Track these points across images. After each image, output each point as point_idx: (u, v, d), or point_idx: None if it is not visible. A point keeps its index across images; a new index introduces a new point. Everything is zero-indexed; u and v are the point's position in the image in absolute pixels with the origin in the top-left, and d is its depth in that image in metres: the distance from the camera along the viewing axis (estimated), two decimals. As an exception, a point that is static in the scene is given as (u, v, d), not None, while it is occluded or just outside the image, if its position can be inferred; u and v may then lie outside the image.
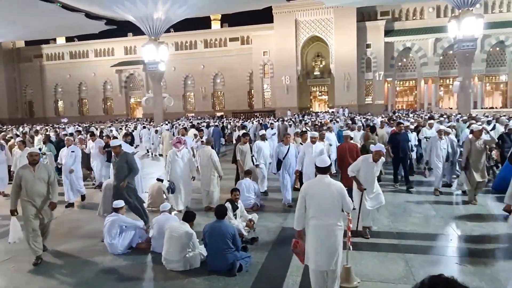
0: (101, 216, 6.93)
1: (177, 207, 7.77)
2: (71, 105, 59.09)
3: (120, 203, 6.01)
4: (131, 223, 5.94)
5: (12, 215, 5.42)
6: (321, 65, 48.64)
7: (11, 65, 59.12)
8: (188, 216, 5.38)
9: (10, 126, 35.72)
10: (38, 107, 60.85)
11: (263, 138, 9.51)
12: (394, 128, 10.61)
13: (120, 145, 6.71)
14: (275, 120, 25.18)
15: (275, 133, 14.57)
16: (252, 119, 32.35)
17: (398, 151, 9.28)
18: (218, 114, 50.19)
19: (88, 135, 12.52)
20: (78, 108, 59.11)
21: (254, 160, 8.85)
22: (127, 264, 5.34)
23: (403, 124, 10.91)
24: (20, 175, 5.38)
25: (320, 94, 52.05)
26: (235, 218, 6.25)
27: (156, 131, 18.79)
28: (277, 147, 8.54)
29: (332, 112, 38.96)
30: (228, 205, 6.10)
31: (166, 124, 23.38)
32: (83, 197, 9.40)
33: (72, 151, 9.15)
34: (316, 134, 8.44)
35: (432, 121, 13.33)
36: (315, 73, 49.09)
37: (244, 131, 12.46)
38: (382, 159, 6.03)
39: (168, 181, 8.00)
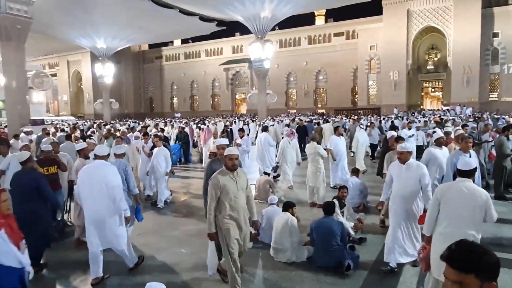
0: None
1: (289, 183, 9.57)
2: (184, 101, 64.83)
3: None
4: None
5: (211, 240, 4.22)
6: (435, 58, 44.35)
7: (137, 66, 67.54)
8: (287, 205, 5.56)
9: (135, 120, 40.63)
10: (157, 103, 68.29)
11: (339, 133, 9.59)
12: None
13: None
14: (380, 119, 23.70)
15: (412, 135, 11.82)
16: (340, 116, 31.09)
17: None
18: (320, 111, 49.63)
19: (141, 134, 11.21)
20: (189, 104, 64.56)
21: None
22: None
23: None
24: (222, 184, 4.05)
25: (433, 90, 47.57)
26: (342, 216, 6.09)
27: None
28: (454, 156, 6.03)
29: (447, 110, 35.25)
30: (335, 201, 5.97)
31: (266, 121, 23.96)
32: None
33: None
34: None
35: None
36: (428, 67, 44.98)
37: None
38: None
39: (276, 162, 9.63)
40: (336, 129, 9.84)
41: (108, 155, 4.90)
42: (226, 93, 60.37)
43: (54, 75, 58.71)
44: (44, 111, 44.65)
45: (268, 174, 8.75)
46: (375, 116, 30.30)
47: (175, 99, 66.94)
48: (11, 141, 11.20)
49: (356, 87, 49.82)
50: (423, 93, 47.38)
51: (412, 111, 37.24)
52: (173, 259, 5.32)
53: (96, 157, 4.78)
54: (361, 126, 14.26)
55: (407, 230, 4.83)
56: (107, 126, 19.59)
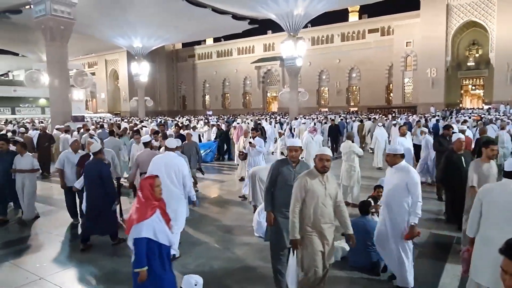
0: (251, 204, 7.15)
1: None
2: (215, 99, 65.65)
3: None
4: None
5: (294, 248, 3.69)
6: (476, 55, 42.35)
7: (170, 65, 69.11)
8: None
9: (168, 117, 41.57)
10: (190, 100, 69.56)
11: (403, 132, 9.34)
12: None
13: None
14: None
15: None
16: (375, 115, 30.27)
17: None
18: (352, 109, 48.75)
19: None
20: (221, 102, 65.27)
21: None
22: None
23: None
24: (309, 186, 3.61)
25: (473, 88, 45.50)
26: (378, 216, 5.96)
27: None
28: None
29: (489, 108, 33.57)
30: (370, 201, 5.85)
31: (298, 119, 23.81)
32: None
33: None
34: None
35: None
36: (468, 64, 43.04)
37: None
38: None
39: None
40: (400, 127, 9.51)
41: (177, 147, 5.57)
42: (257, 91, 60.53)
43: (92, 73, 61.22)
44: (83, 108, 46.64)
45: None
46: (419, 115, 29.09)
47: (207, 97, 67.90)
48: (62, 135, 11.82)
49: (391, 85, 48.49)
50: (462, 91, 45.42)
51: (451, 109, 35.76)
52: (207, 253, 5.41)
53: (166, 149, 5.42)
54: (379, 124, 14.24)
55: (388, 246, 4.25)
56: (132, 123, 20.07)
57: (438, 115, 24.79)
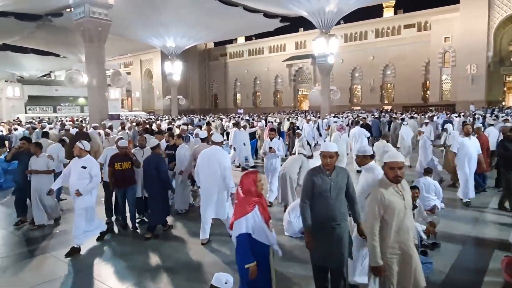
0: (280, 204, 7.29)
1: None
2: (246, 97, 65.96)
3: None
4: None
5: (376, 276, 3.23)
6: (521, 50, 40.01)
7: (202, 63, 70.16)
8: None
9: (200, 115, 42.18)
10: (221, 99, 70.31)
11: (466, 132, 8.52)
12: None
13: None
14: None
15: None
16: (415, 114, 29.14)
17: None
18: (386, 107, 47.46)
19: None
20: (252, 100, 65.50)
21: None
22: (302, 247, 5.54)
23: None
24: (387, 201, 3.10)
25: (518, 85, 43.03)
26: (413, 218, 5.75)
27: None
28: None
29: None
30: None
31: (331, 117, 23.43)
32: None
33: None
34: None
35: None
36: (512, 60, 40.76)
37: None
38: None
39: None
40: (463, 126, 8.25)
41: (222, 142, 5.95)
42: (288, 90, 60.25)
43: (128, 73, 63.24)
44: (119, 106, 48.30)
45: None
46: (463, 113, 27.76)
47: (238, 95, 68.35)
48: (120, 132, 12.21)
49: (428, 82, 46.75)
50: (505, 88, 43.00)
51: (492, 107, 33.98)
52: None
53: (213, 143, 5.84)
54: (404, 123, 14.06)
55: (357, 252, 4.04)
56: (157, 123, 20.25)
57: (480, 113, 23.59)
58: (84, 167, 5.47)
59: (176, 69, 43.20)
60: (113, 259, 5.31)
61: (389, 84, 51.34)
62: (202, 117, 33.98)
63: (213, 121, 23.11)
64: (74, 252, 5.39)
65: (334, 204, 3.52)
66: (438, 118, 22.68)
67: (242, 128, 13.12)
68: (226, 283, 2.87)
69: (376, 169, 4.14)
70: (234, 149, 12.47)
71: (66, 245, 5.71)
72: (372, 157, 4.23)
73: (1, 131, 16.85)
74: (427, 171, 7.52)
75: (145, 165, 6.25)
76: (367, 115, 25.47)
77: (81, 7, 20.89)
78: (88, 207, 5.57)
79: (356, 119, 17.18)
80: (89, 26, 20.87)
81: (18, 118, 32.39)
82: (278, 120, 22.80)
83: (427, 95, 47.40)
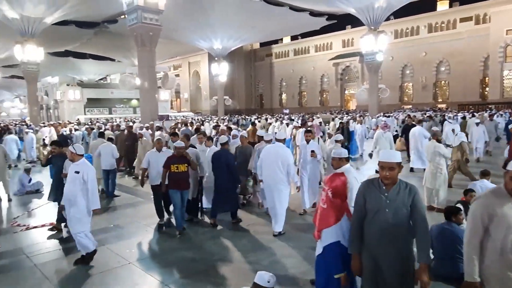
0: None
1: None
2: (292, 97, 65.70)
3: None
4: None
5: None
6: None
7: (248, 64, 70.94)
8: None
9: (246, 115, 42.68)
10: (267, 99, 70.62)
11: None
12: None
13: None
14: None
15: None
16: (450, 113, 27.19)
17: None
18: (440, 106, 45.04)
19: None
20: (298, 100, 65.09)
21: None
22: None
23: None
24: (501, 213, 2.60)
25: None
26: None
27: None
28: None
29: None
30: (460, 207, 5.33)
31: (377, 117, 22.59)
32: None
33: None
34: None
35: None
36: None
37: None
38: None
39: (372, 151, 10.35)
40: None
41: (284, 139, 6.38)
42: (335, 89, 59.16)
43: (177, 75, 65.54)
44: (168, 107, 50.19)
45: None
46: None
47: (283, 95, 68.27)
48: (157, 133, 12.78)
49: (487, 78, 43.71)
50: None
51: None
52: (281, 251, 5.43)
53: (277, 140, 6.22)
54: (450, 121, 13.60)
55: None
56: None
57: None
58: (77, 172, 5.02)
59: (222, 70, 44.07)
60: (163, 254, 5.54)
61: (443, 81, 48.67)
62: (241, 117, 34.35)
63: (259, 121, 23.28)
64: (85, 260, 5.11)
65: (389, 229, 2.83)
66: (498, 116, 21.08)
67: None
68: (268, 281, 2.88)
69: (351, 172, 3.91)
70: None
71: (121, 239, 6.09)
72: (347, 160, 4.10)
73: (65, 131, 18.17)
74: (484, 174, 7.03)
75: (215, 159, 6.55)
76: (414, 115, 23.79)
77: (134, 14, 22.01)
78: (81, 217, 5.05)
79: (423, 117, 16.33)
80: (141, 31, 21.93)
81: (78, 119, 34.79)
82: (321, 120, 22.39)
83: (485, 92, 44.32)
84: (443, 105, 45.01)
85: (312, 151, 7.07)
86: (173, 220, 6.89)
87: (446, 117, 19.07)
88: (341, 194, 3.18)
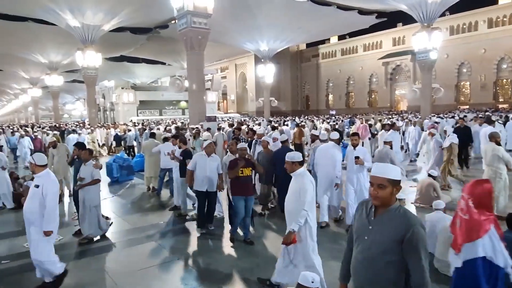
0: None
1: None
2: (339, 98, 64.37)
3: None
4: None
5: None
6: None
7: (295, 65, 70.62)
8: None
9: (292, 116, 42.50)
10: (313, 100, 69.82)
11: None
12: None
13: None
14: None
15: None
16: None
17: None
18: (501, 106, 41.89)
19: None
20: (345, 101, 63.66)
21: None
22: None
23: None
24: None
25: None
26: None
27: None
28: None
29: None
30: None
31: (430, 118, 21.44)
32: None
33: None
34: None
35: None
36: None
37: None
38: None
39: (418, 151, 10.90)
40: None
41: (338, 139, 6.95)
42: (384, 89, 57.11)
43: (224, 77, 66.79)
44: (216, 109, 51.35)
45: (434, 177, 7.86)
46: None
47: (330, 96, 67.12)
48: (205, 134, 13.11)
49: (556, 76, 39.98)
50: None
51: None
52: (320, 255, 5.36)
53: (331, 139, 6.86)
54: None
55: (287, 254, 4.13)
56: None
57: None
58: (37, 186, 4.24)
59: (268, 72, 44.26)
60: (209, 252, 5.70)
61: (504, 80, 45.19)
62: (284, 118, 34.19)
63: (305, 124, 22.92)
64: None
65: (365, 261, 2.24)
66: None
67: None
68: (312, 281, 2.87)
69: (305, 176, 4.03)
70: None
71: (170, 235, 6.32)
72: (301, 163, 4.10)
73: (119, 131, 19.25)
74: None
75: (277, 157, 6.90)
76: (464, 116, 21.72)
77: (184, 18, 22.81)
78: (42, 239, 4.21)
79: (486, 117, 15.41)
80: (191, 35, 22.66)
81: (131, 120, 36.69)
82: (371, 122, 21.70)
83: (554, 91, 40.57)
84: (505, 105, 41.77)
85: (357, 157, 6.08)
86: (211, 228, 6.57)
87: (510, 118, 17.66)
88: (486, 205, 2.84)
